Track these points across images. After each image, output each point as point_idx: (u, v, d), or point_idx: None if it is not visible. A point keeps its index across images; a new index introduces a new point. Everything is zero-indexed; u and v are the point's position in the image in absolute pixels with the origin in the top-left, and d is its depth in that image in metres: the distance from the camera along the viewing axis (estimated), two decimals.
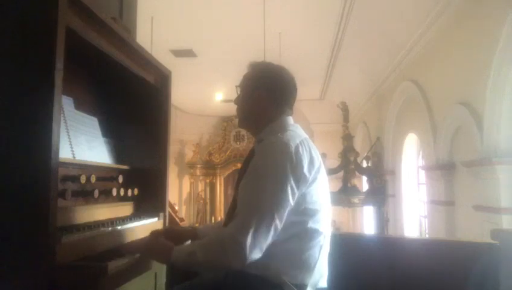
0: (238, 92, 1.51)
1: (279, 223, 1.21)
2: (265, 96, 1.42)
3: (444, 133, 4.00)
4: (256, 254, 1.19)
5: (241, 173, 1.38)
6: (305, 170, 1.25)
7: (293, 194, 1.23)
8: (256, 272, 1.24)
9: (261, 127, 1.43)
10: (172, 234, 1.59)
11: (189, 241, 1.60)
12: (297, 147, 1.25)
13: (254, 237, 1.17)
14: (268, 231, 1.19)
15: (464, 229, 3.72)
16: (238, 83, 1.52)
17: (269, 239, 1.20)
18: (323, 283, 1.35)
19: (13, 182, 1.09)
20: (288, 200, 1.22)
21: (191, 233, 1.64)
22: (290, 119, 1.45)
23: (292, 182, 1.22)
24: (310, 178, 1.26)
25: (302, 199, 1.26)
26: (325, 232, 1.33)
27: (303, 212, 1.27)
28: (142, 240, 1.53)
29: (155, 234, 1.54)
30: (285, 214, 1.22)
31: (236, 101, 1.51)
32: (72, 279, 1.11)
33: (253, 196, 1.25)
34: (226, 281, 1.29)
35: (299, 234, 1.27)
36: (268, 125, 1.41)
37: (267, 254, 1.23)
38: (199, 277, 1.45)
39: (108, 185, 1.57)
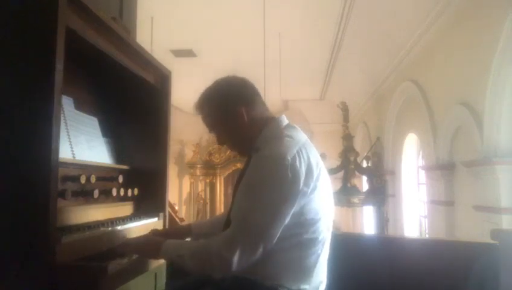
0: (211, 131, 1.42)
1: (269, 242, 1.19)
2: (241, 108, 1.34)
3: (444, 133, 4.00)
4: (242, 268, 1.19)
5: (240, 177, 1.35)
6: (302, 184, 1.19)
7: (287, 212, 1.19)
8: (254, 277, 1.23)
9: (254, 138, 1.35)
10: (168, 234, 1.60)
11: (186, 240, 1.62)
12: (293, 159, 1.19)
13: (241, 255, 1.17)
14: (256, 249, 1.18)
15: (463, 229, 3.72)
16: (203, 118, 1.43)
17: (257, 256, 1.19)
18: (323, 286, 1.34)
19: (13, 182, 1.09)
20: (283, 220, 1.19)
21: (186, 229, 1.66)
22: (284, 119, 1.39)
23: (288, 200, 1.19)
24: (309, 190, 1.22)
25: (301, 211, 1.23)
26: (325, 238, 1.31)
27: (302, 223, 1.24)
28: (132, 239, 1.51)
29: (153, 233, 1.56)
30: (279, 232, 1.20)
31: (221, 142, 1.44)
32: (72, 279, 1.11)
33: (246, 211, 1.21)
34: (224, 284, 1.29)
35: (298, 244, 1.25)
36: (262, 131, 1.35)
37: (266, 261, 1.22)
38: (196, 276, 1.45)
39: (108, 185, 1.57)
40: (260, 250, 1.19)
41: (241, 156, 1.45)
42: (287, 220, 1.20)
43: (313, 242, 1.26)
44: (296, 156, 1.21)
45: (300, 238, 1.24)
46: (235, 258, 1.16)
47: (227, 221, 1.35)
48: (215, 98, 1.38)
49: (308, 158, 1.24)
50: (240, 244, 1.17)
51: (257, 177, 1.23)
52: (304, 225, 1.24)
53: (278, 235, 1.20)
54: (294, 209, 1.21)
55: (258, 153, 1.28)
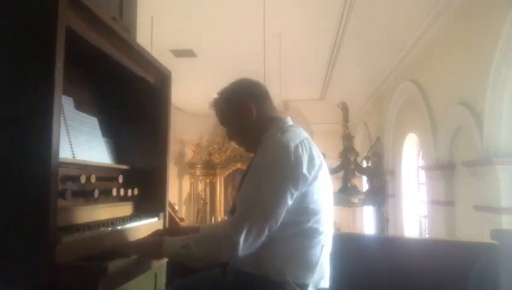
0: (223, 126, 1.50)
1: (274, 223, 1.23)
2: (251, 105, 1.42)
3: (444, 133, 3.99)
4: (248, 251, 1.22)
5: (244, 175, 1.39)
6: (305, 169, 1.25)
7: (291, 194, 1.23)
8: (258, 271, 1.25)
9: (261, 134, 1.42)
10: (176, 232, 1.60)
11: None
12: (296, 147, 1.26)
13: (247, 236, 1.20)
14: (262, 230, 1.21)
15: (463, 229, 3.72)
16: (215, 112, 1.50)
17: (262, 238, 1.22)
18: (325, 283, 1.35)
19: (13, 182, 1.09)
20: (286, 201, 1.23)
21: (195, 231, 1.65)
22: (289, 120, 1.46)
23: (290, 182, 1.23)
24: (310, 177, 1.27)
25: (302, 198, 1.26)
26: (326, 231, 1.33)
27: (304, 211, 1.27)
28: (132, 241, 1.51)
29: (157, 233, 1.55)
30: (282, 213, 1.23)
31: (230, 137, 1.51)
32: (72, 279, 1.11)
33: (251, 195, 1.27)
34: (228, 280, 1.30)
35: (300, 233, 1.28)
36: (268, 129, 1.41)
37: (269, 253, 1.25)
38: (198, 274, 1.45)
39: (108, 185, 1.57)
40: (265, 231, 1.22)
41: (248, 152, 1.53)
42: (290, 202, 1.24)
43: (315, 232, 1.29)
44: (299, 144, 1.28)
45: (302, 227, 1.28)
46: (242, 238, 1.19)
47: (232, 209, 1.39)
48: (228, 93, 1.46)
49: (310, 149, 1.31)
50: (245, 224, 1.21)
51: (261, 164, 1.29)
52: (305, 213, 1.28)
53: (281, 217, 1.23)
54: (296, 194, 1.24)
55: (262, 146, 1.35)
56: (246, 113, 1.42)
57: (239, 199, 1.32)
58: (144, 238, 1.52)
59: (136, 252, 1.38)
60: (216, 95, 1.51)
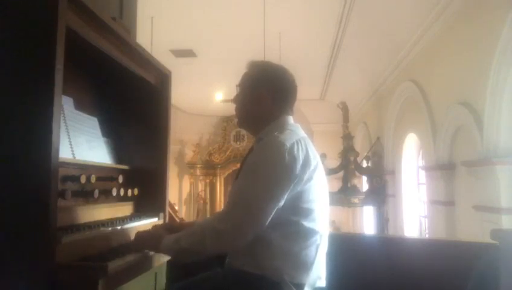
0: (238, 91, 1.50)
1: (260, 220, 1.22)
2: (267, 96, 1.42)
3: (444, 133, 4.00)
4: (233, 244, 1.23)
5: (238, 172, 1.40)
6: (298, 169, 1.24)
7: (282, 193, 1.23)
8: (256, 270, 1.25)
9: (262, 126, 1.43)
10: (172, 228, 1.60)
11: None
12: (292, 146, 1.25)
13: (232, 229, 1.21)
14: (248, 225, 1.22)
15: (464, 229, 3.72)
16: (238, 83, 1.51)
17: (248, 233, 1.22)
18: (322, 282, 1.35)
19: (13, 182, 1.09)
20: (275, 199, 1.22)
21: (191, 225, 1.65)
22: (290, 119, 1.46)
23: (281, 181, 1.23)
24: (305, 177, 1.26)
25: (296, 198, 1.26)
26: (321, 232, 1.33)
27: (298, 211, 1.27)
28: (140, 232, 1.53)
29: (155, 227, 1.56)
30: (271, 212, 1.22)
31: (235, 100, 1.50)
32: (72, 279, 1.11)
33: (241, 190, 1.28)
34: (227, 280, 1.30)
35: (295, 233, 1.28)
36: (269, 124, 1.42)
37: (265, 252, 1.25)
38: (198, 276, 1.45)
39: (108, 185, 1.57)
40: (251, 227, 1.22)
41: (239, 126, 1.56)
42: (281, 202, 1.23)
43: (310, 232, 1.29)
44: (295, 144, 1.27)
45: (298, 228, 1.27)
46: (227, 232, 1.21)
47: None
48: (265, 73, 1.46)
49: (307, 149, 1.30)
50: (231, 217, 1.23)
51: (255, 160, 1.30)
52: (300, 213, 1.27)
53: (270, 215, 1.22)
54: (290, 193, 1.24)
55: (259, 142, 1.36)
56: (257, 98, 1.42)
57: (229, 194, 1.33)
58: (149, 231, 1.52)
59: (140, 241, 1.40)
60: (259, 63, 1.50)
